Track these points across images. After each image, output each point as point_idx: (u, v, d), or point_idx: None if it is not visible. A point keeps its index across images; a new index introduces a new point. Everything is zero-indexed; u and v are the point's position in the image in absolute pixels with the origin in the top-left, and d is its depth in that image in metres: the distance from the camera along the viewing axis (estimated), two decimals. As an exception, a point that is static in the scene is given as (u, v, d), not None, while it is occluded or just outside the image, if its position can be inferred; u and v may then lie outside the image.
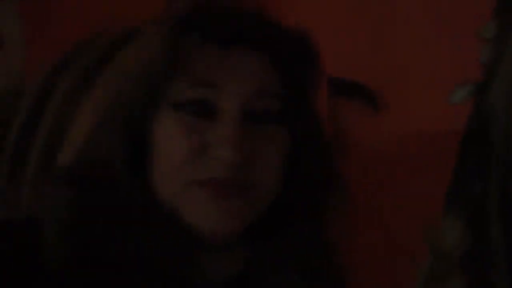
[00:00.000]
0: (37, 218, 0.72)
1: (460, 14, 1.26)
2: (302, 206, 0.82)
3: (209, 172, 0.76)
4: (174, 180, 0.76)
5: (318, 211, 0.83)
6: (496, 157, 1.19)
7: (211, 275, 0.77)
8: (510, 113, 1.17)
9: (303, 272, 0.80)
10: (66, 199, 0.74)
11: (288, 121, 0.81)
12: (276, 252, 0.80)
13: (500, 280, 1.10)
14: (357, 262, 1.08)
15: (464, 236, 1.19)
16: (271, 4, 0.86)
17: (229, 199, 0.76)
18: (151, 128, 0.78)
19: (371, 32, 1.27)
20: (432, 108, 1.25)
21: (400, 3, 1.31)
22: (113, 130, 0.77)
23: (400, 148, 1.25)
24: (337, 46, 1.07)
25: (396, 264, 1.21)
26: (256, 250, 0.81)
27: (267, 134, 0.79)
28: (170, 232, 0.75)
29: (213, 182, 0.76)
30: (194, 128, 0.77)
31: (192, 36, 0.78)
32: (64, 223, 0.71)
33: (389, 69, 1.26)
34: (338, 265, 0.86)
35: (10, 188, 1.24)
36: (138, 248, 0.72)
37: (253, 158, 0.78)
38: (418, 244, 1.19)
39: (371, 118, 1.27)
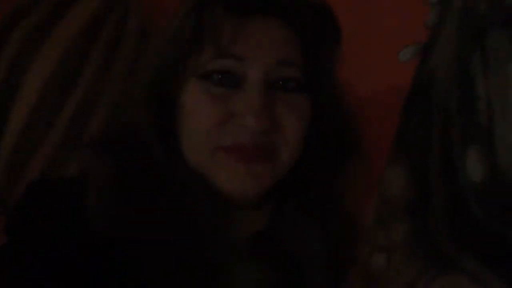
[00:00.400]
0: (80, 180, 0.76)
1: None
2: (322, 169, 0.85)
3: (235, 138, 0.77)
4: (202, 146, 0.78)
5: (336, 174, 0.86)
6: (437, 110, 1.28)
7: (240, 231, 0.80)
8: (450, 70, 1.26)
9: (321, 229, 0.84)
10: (103, 164, 0.77)
11: (310, 90, 0.82)
12: (297, 210, 0.84)
13: (437, 228, 1.20)
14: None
15: (408, 185, 1.28)
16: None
17: (254, 164, 0.78)
18: (179, 98, 0.80)
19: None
20: (382, 66, 1.32)
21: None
22: (143, 99, 0.80)
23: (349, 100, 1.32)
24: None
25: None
26: (279, 209, 0.84)
27: (290, 102, 0.80)
28: (201, 193, 0.78)
29: (239, 147, 0.77)
30: (220, 97, 0.78)
31: (216, 7, 0.78)
32: (103, 187, 0.75)
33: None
34: (353, 223, 0.90)
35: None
36: (172, 207, 0.76)
37: (277, 125, 0.79)
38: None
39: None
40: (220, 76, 0.79)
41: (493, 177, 1.17)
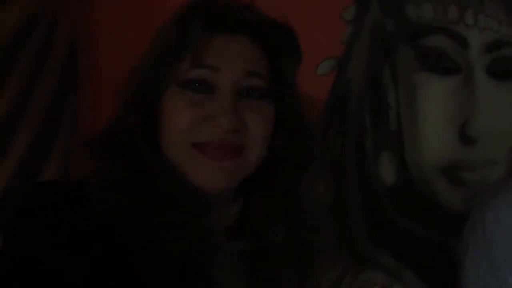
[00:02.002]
0: (84, 181, 0.86)
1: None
2: (285, 166, 0.95)
3: (208, 137, 0.88)
4: (179, 144, 0.89)
5: (299, 171, 0.96)
6: (352, 120, 1.36)
7: (216, 222, 0.91)
8: (363, 83, 1.35)
9: (288, 220, 0.94)
10: (102, 166, 0.88)
11: (274, 98, 0.93)
12: (264, 203, 0.94)
13: (356, 229, 1.27)
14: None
15: (326, 191, 1.35)
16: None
17: (225, 161, 0.88)
18: (161, 103, 0.91)
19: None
20: (302, 80, 1.38)
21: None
22: (131, 104, 0.91)
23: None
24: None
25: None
26: (247, 204, 0.94)
27: (256, 107, 0.91)
28: (181, 187, 0.88)
29: (211, 145, 0.88)
30: (196, 102, 0.89)
31: (195, 25, 0.90)
32: (102, 184, 0.86)
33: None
34: (313, 217, 1.00)
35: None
36: (158, 199, 0.86)
37: (245, 126, 0.90)
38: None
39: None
40: (196, 84, 0.90)
41: (404, 180, 1.27)
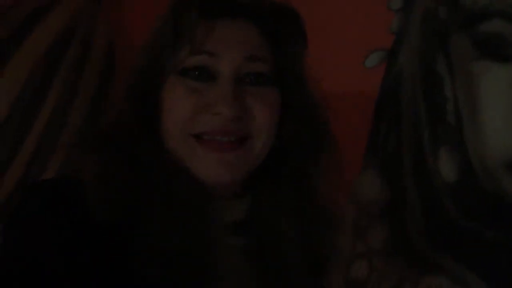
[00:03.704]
0: (79, 178, 0.83)
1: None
2: (296, 159, 0.91)
3: (209, 126, 0.85)
4: (178, 134, 0.86)
5: (308, 164, 0.92)
6: (407, 113, 1.30)
7: (221, 219, 0.86)
8: (416, 74, 1.28)
9: (296, 216, 0.90)
10: (97, 160, 0.85)
11: (279, 84, 0.89)
12: (275, 197, 0.90)
13: (415, 231, 1.21)
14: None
15: (382, 189, 1.29)
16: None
17: (226, 153, 0.85)
18: (161, 93, 0.88)
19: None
20: (349, 73, 1.33)
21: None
22: (129, 97, 0.88)
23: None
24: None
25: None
26: (257, 199, 0.90)
27: (259, 94, 0.87)
28: (182, 181, 0.84)
29: (211, 134, 0.85)
30: (196, 90, 0.86)
31: (191, 12, 0.87)
32: (97, 180, 0.82)
33: (309, 37, 1.31)
34: (326, 211, 0.95)
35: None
36: (159, 194, 0.83)
37: (248, 114, 0.86)
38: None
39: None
40: (196, 72, 0.86)
41: (466, 177, 1.19)
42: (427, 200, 1.22)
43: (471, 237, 1.17)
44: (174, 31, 0.87)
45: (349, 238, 1.28)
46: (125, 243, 0.79)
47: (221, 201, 0.87)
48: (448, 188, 1.20)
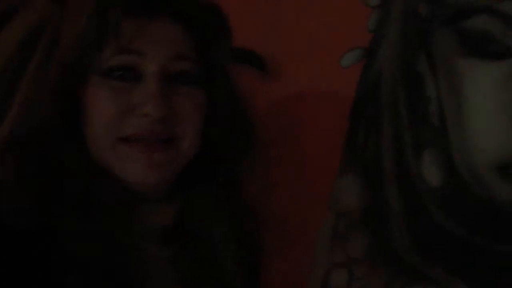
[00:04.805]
0: None
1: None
2: (223, 160, 0.91)
3: (135, 128, 0.83)
4: (103, 139, 0.84)
5: (236, 164, 0.92)
6: (387, 113, 1.24)
7: (150, 223, 0.85)
8: (396, 73, 1.23)
9: (226, 219, 0.90)
10: (13, 167, 0.82)
11: (206, 83, 0.89)
12: (202, 202, 0.90)
13: (399, 237, 1.16)
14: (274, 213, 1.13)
15: (362, 194, 1.24)
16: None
17: (155, 154, 0.84)
18: (84, 95, 0.85)
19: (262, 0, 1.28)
20: (325, 73, 1.28)
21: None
22: (49, 99, 0.84)
23: (294, 109, 1.27)
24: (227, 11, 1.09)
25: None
26: (186, 202, 0.89)
27: (187, 94, 0.87)
28: (106, 186, 0.83)
29: (139, 138, 0.84)
30: (121, 91, 0.84)
31: (116, 9, 0.85)
32: (15, 187, 0.80)
33: (282, 36, 1.26)
34: (255, 213, 0.96)
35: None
36: (82, 200, 0.81)
37: (175, 114, 0.85)
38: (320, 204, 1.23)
39: (265, 83, 1.29)
40: (121, 72, 0.85)
41: (452, 181, 1.14)
42: (410, 206, 1.17)
43: (460, 244, 1.12)
44: (98, 29, 0.85)
45: (327, 246, 1.23)
46: (44, 251, 0.77)
47: (149, 204, 0.86)
48: (433, 193, 1.15)
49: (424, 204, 1.16)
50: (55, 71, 0.86)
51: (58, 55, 0.86)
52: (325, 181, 1.27)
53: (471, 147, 1.13)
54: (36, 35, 1.42)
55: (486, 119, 1.12)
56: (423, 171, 1.17)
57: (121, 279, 0.80)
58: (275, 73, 1.31)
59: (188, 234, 0.88)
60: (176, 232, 0.87)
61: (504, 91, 1.10)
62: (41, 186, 0.81)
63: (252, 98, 1.16)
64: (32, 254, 0.77)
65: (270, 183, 1.13)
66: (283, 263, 1.18)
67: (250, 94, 1.17)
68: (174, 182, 0.88)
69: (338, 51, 1.27)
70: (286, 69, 1.30)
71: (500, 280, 1.08)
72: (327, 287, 1.21)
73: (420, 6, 1.19)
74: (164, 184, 0.87)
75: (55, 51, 0.85)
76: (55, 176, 0.82)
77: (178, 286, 0.85)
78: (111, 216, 0.82)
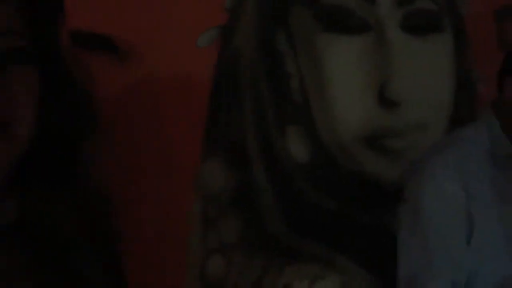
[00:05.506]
0: None
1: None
2: (60, 147, 0.87)
3: None
4: None
5: (76, 150, 0.89)
6: (248, 94, 1.23)
7: None
8: (255, 51, 1.21)
9: (75, 207, 0.87)
10: None
11: (37, 62, 0.83)
12: (45, 194, 0.85)
13: (272, 217, 1.15)
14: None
15: (228, 179, 1.22)
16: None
17: None
18: None
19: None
20: (183, 54, 1.24)
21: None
22: None
23: (153, 93, 1.23)
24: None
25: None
26: (27, 196, 0.84)
27: (16, 74, 0.81)
28: None
29: None
30: None
31: None
32: None
33: (137, 18, 1.20)
34: (104, 198, 0.94)
35: None
36: None
37: (5, 96, 0.80)
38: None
39: (120, 68, 1.23)
40: None
41: (319, 156, 1.15)
42: (280, 185, 1.17)
43: (333, 218, 1.13)
44: None
45: (200, 232, 1.20)
46: None
47: None
48: (301, 169, 1.15)
49: (293, 181, 1.16)
50: None
51: None
52: (190, 164, 1.23)
53: (336, 121, 1.15)
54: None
55: (349, 92, 1.14)
56: (289, 148, 1.17)
57: None
58: (132, 57, 1.25)
59: (32, 227, 0.83)
60: (15, 232, 0.82)
61: (366, 64, 1.13)
62: None
63: (108, 83, 1.11)
64: None
65: (133, 170, 1.08)
66: (157, 253, 1.14)
67: (105, 79, 1.12)
68: (10, 178, 0.83)
69: (196, 32, 1.23)
70: (143, 52, 1.24)
71: (374, 249, 1.11)
72: (205, 275, 1.17)
73: (277, -15, 1.18)
74: (1, 176, 0.81)
75: None
76: None
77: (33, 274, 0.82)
78: None
